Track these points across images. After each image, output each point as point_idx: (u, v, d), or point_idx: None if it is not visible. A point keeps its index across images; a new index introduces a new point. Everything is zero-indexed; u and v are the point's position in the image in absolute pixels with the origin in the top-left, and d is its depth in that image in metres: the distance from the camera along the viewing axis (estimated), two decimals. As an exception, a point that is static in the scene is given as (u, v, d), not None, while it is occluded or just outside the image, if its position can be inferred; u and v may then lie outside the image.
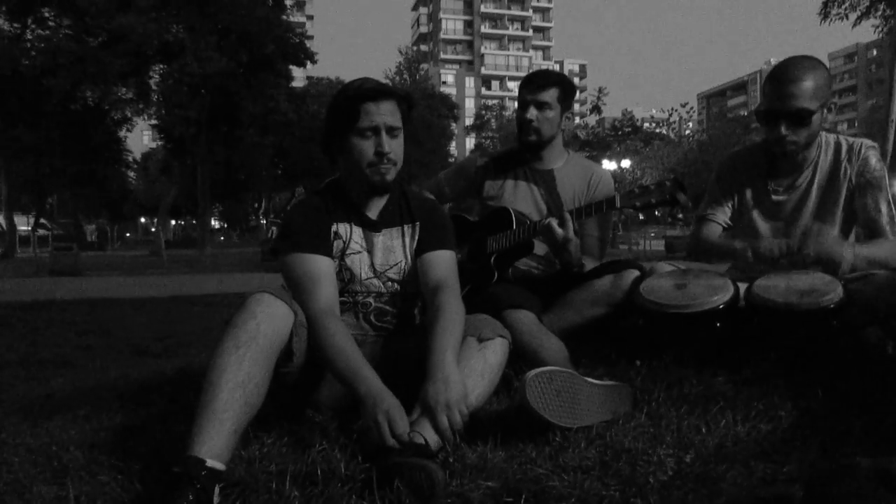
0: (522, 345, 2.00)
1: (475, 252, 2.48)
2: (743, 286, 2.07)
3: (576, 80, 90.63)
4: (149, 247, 28.77)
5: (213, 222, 50.33)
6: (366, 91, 1.80)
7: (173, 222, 51.59)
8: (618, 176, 33.22)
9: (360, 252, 1.88)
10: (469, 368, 1.64)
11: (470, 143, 51.12)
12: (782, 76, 2.13)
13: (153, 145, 41.88)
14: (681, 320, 1.97)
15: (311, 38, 30.23)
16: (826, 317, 1.87)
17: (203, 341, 4.31)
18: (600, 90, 34.45)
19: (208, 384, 1.42)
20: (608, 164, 32.97)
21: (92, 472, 1.46)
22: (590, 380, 1.64)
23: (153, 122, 27.58)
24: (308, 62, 26.97)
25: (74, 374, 3.39)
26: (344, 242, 1.87)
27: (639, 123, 38.97)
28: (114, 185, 30.51)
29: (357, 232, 1.89)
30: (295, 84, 30.76)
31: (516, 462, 1.43)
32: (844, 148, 2.30)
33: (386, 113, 1.79)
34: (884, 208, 2.22)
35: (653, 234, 29.33)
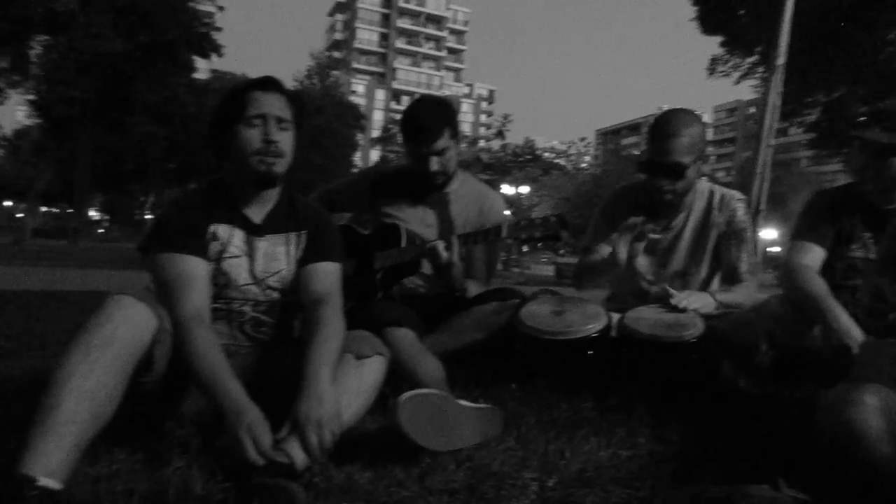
0: (401, 363, 1.98)
1: (362, 267, 2.45)
2: (616, 316, 2.17)
3: (483, 105, 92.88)
4: (12, 234, 26.38)
5: (92, 213, 46.97)
6: (255, 80, 1.75)
7: (44, 209, 47.69)
8: (515, 201, 34.20)
9: (239, 256, 1.79)
10: (345, 386, 1.60)
11: (375, 155, 50.95)
12: (661, 131, 2.31)
13: (29, 122, 38.53)
14: (556, 346, 2.04)
15: (219, 29, 29.00)
16: (687, 350, 2.00)
17: (64, 341, 3.96)
18: (505, 117, 35.40)
19: (50, 392, 1.29)
20: (507, 189, 33.85)
21: None
22: (463, 402, 1.65)
23: (30, 97, 25.38)
24: (214, 54, 25.95)
25: None
26: (222, 245, 1.77)
27: (539, 152, 40.28)
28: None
29: (238, 235, 1.80)
30: (198, 76, 29.48)
31: (383, 483, 1.41)
32: (717, 197, 2.50)
33: (275, 104, 1.74)
34: (745, 257, 2.44)
35: (544, 260, 30.37)
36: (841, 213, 2.50)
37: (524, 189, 34.65)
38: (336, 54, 71.00)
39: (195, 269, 1.68)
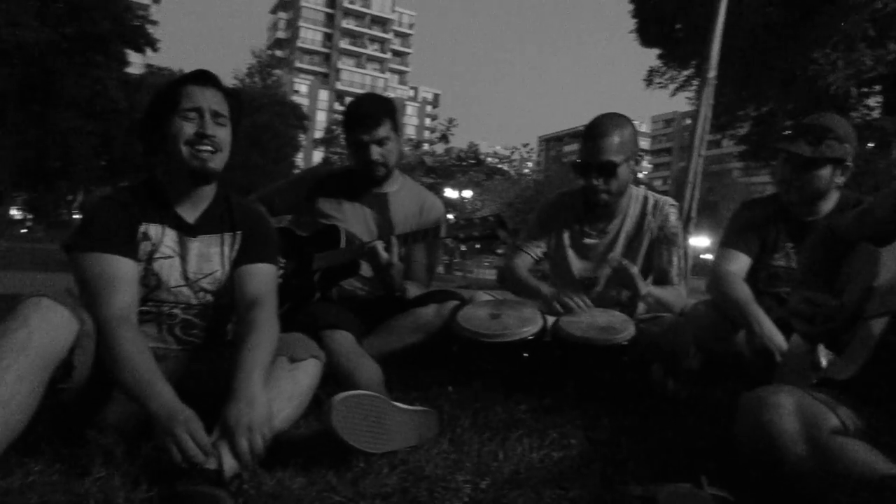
0: (338, 366, 1.97)
1: (300, 269, 2.42)
2: (551, 319, 2.22)
3: (428, 109, 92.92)
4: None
5: (14, 212, 44.56)
6: (190, 74, 1.71)
7: (-43, 206, 44.91)
8: (458, 205, 34.39)
9: (171, 257, 1.74)
10: (278, 389, 1.58)
11: (318, 156, 50.34)
12: (593, 132, 2.38)
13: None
14: (492, 349, 2.06)
15: (155, 23, 28.11)
16: (619, 352, 2.05)
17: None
18: (450, 121, 35.64)
19: None
20: (451, 193, 34.06)
21: None
22: (399, 405, 1.64)
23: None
24: (148, 48, 25.09)
25: None
26: (153, 245, 1.71)
27: (483, 157, 40.68)
28: None
29: (170, 235, 1.75)
30: (131, 70, 28.44)
31: (315, 489, 1.38)
32: (651, 203, 2.58)
33: (211, 98, 1.71)
34: (675, 261, 2.52)
35: (487, 264, 30.65)
36: (766, 224, 2.62)
37: (467, 193, 34.91)
38: (278, 53, 69.84)
39: (122, 270, 1.62)
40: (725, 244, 2.65)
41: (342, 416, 1.47)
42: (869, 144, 12.76)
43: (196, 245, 1.78)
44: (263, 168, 31.04)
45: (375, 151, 2.50)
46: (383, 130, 2.50)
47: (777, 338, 2.14)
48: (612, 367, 2.07)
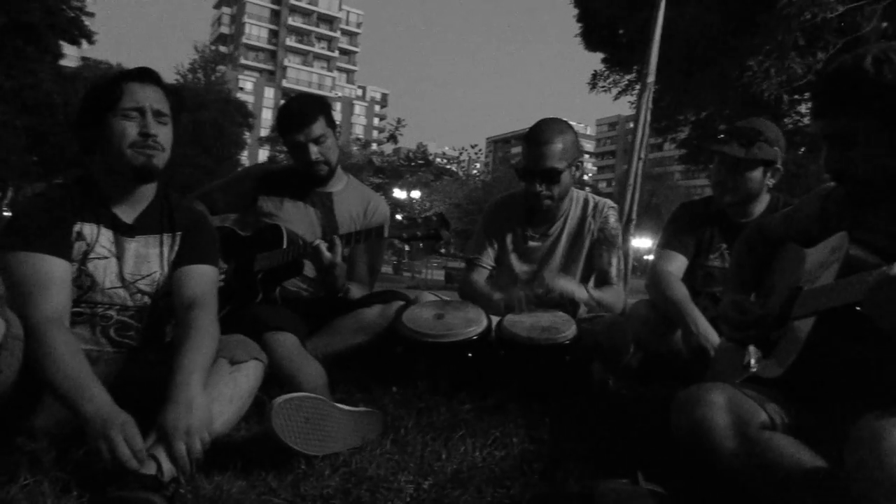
0: (280, 368, 1.94)
1: (242, 269, 2.38)
2: (496, 319, 2.24)
3: (377, 108, 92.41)
4: None
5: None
6: (131, 71, 1.67)
7: None
8: (407, 205, 34.32)
9: (107, 258, 1.69)
10: (217, 392, 1.55)
11: (263, 155, 49.40)
12: (536, 139, 2.41)
13: None
14: (437, 349, 2.07)
15: (91, 14, 27.01)
16: (561, 352, 2.08)
17: None
18: (399, 121, 35.51)
19: None
20: (399, 193, 33.95)
21: None
22: (341, 406, 1.63)
23: None
24: (84, 41, 24.11)
25: None
26: (88, 245, 1.66)
27: (431, 158, 40.73)
28: None
29: (106, 235, 1.70)
30: (66, 63, 27.26)
31: (255, 492, 1.37)
32: (591, 205, 2.63)
33: (153, 96, 1.67)
34: (614, 262, 2.58)
35: (435, 265, 30.71)
36: (701, 225, 2.71)
37: (416, 194, 34.88)
38: (222, 49, 68.19)
39: (55, 271, 1.57)
40: (663, 245, 2.74)
41: (283, 420, 1.46)
42: (801, 149, 13.36)
43: (133, 245, 1.74)
44: (207, 166, 30.22)
45: (314, 150, 2.48)
46: (318, 128, 2.47)
47: (712, 336, 2.22)
48: (554, 367, 2.10)
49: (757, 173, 2.52)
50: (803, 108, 12.74)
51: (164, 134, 1.69)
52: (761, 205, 2.65)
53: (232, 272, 2.39)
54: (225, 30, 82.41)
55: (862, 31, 6.50)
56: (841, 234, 1.50)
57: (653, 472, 1.44)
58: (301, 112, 2.47)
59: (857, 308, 1.19)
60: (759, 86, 7.16)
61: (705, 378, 1.86)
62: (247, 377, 1.64)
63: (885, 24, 7.23)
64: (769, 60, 7.03)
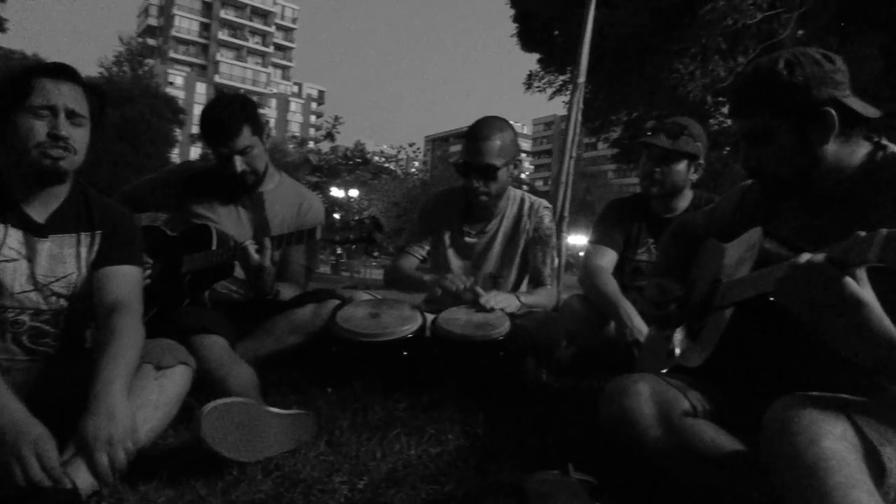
0: (209, 372, 1.89)
1: (168, 271, 2.30)
2: (431, 317, 2.25)
3: (313, 106, 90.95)
4: None
5: None
6: (45, 65, 1.58)
7: None
8: (345, 204, 33.99)
9: (16, 260, 1.60)
10: (142, 399, 1.50)
11: (195, 152, 47.95)
12: (475, 135, 2.43)
13: None
14: (372, 348, 2.06)
15: (2, 0, 25.55)
16: (495, 347, 2.11)
17: None
18: (336, 119, 35.08)
19: None
20: (337, 192, 33.59)
21: None
22: (274, 409, 1.60)
23: None
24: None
25: None
26: None
27: (369, 156, 40.44)
28: None
29: (15, 235, 1.61)
30: (-23, 54, 25.72)
31: (183, 501, 1.34)
32: (527, 204, 2.67)
33: (68, 95, 1.58)
34: (548, 261, 2.64)
35: (374, 263, 30.51)
36: (629, 221, 2.81)
37: (354, 192, 34.60)
38: (150, 41, 65.68)
39: None
40: (594, 241, 2.82)
41: (212, 426, 1.42)
42: (725, 149, 13.95)
43: (46, 246, 1.65)
44: (134, 163, 29.08)
45: (239, 162, 2.37)
46: (244, 139, 2.35)
47: (644, 329, 2.30)
48: (489, 362, 2.13)
49: (682, 166, 2.64)
50: (726, 110, 13.32)
51: (77, 136, 1.61)
52: (685, 201, 2.76)
53: (158, 273, 2.31)
54: (153, 21, 79.35)
55: (779, 38, 6.85)
56: (756, 229, 1.58)
57: (584, 462, 1.48)
58: (224, 124, 2.33)
59: (771, 298, 1.25)
60: (685, 87, 7.45)
61: (633, 369, 1.92)
62: (174, 382, 1.59)
63: (800, 32, 7.64)
64: (694, 63, 7.34)
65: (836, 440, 1.05)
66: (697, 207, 2.68)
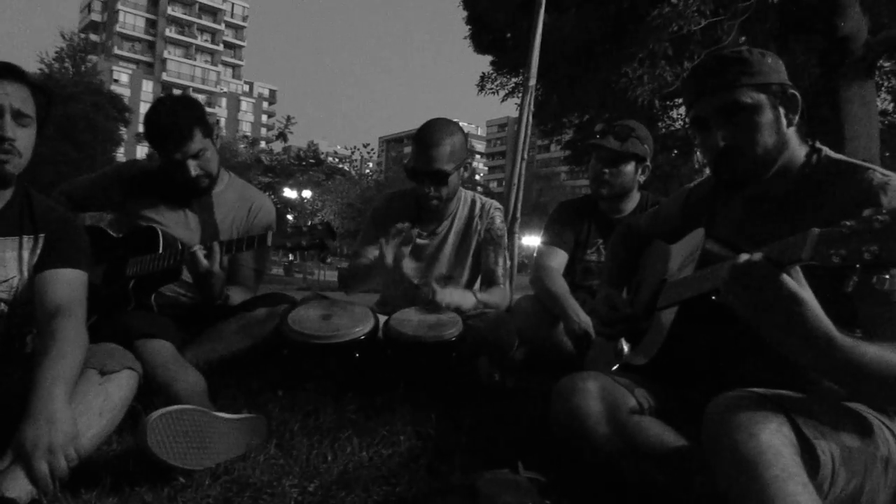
0: (155, 378, 1.84)
1: (113, 274, 2.23)
2: (384, 318, 2.24)
3: (265, 105, 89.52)
4: None
5: None
6: None
7: None
8: (298, 205, 33.58)
9: None
10: (85, 405, 1.46)
11: (142, 151, 46.66)
12: (424, 141, 2.42)
13: None
14: (324, 350, 2.04)
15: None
16: (448, 348, 2.12)
17: None
18: (288, 118, 34.61)
19: None
20: (290, 193, 33.16)
21: None
22: (222, 414, 1.58)
23: None
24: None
25: None
26: None
27: (323, 157, 40.05)
28: None
29: None
30: None
31: (128, 509, 1.30)
32: (478, 205, 2.69)
33: (13, 95, 1.54)
34: (500, 262, 2.65)
35: (328, 263, 30.21)
36: (579, 222, 2.86)
37: (307, 193, 34.21)
38: (93, 37, 63.59)
39: None
40: (546, 242, 2.87)
41: (159, 435, 1.39)
42: (673, 152, 14.32)
43: None
44: (77, 163, 28.10)
45: (193, 167, 2.30)
46: (196, 143, 2.28)
47: (591, 322, 2.34)
48: (441, 363, 2.13)
49: (630, 168, 2.72)
50: (675, 114, 13.68)
51: (23, 137, 1.56)
52: (633, 202, 2.83)
53: (102, 277, 2.24)
54: (96, 17, 76.84)
55: (723, 44, 7.08)
56: (699, 231, 1.63)
57: (534, 460, 1.50)
58: (175, 129, 2.24)
59: (713, 298, 1.30)
60: (634, 91, 7.64)
61: (583, 367, 1.96)
62: (119, 388, 1.55)
63: (743, 38, 7.91)
64: (642, 68, 7.52)
65: (772, 434, 1.09)
66: (644, 209, 2.75)
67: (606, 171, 2.72)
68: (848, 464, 1.17)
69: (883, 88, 12.24)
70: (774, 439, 1.09)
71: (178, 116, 2.27)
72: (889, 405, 1.30)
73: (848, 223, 0.96)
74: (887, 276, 0.93)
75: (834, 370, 1.15)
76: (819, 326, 1.08)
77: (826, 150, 1.49)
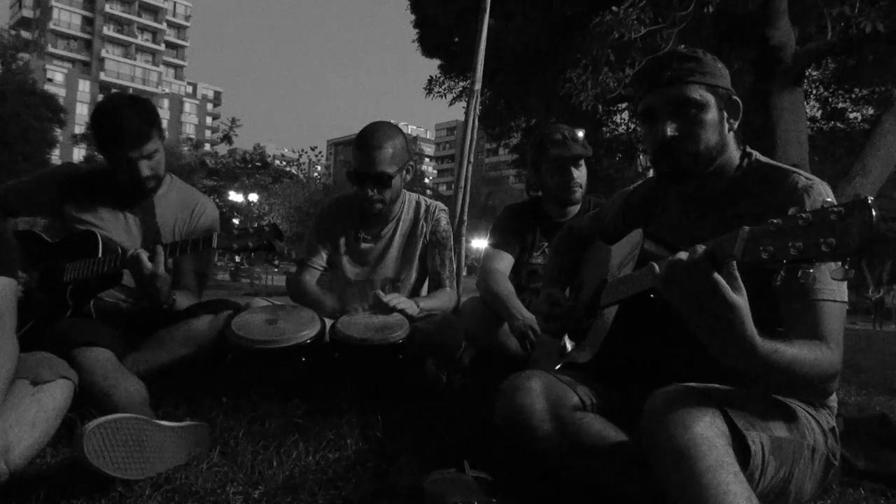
0: (93, 386, 1.79)
1: (48, 280, 2.15)
2: (330, 322, 2.23)
3: (209, 107, 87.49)
4: None
5: None
6: None
7: None
8: (244, 209, 32.92)
9: None
10: (16, 417, 1.40)
11: (79, 154, 44.84)
12: (366, 144, 2.42)
13: None
14: (269, 355, 2.02)
15: None
16: (395, 350, 2.12)
17: None
18: (233, 121, 33.89)
19: None
20: (235, 196, 32.50)
21: None
22: (163, 423, 1.54)
23: None
24: None
25: None
26: None
27: (269, 159, 39.39)
28: None
29: None
30: None
31: (62, 522, 1.26)
32: (423, 207, 2.70)
33: None
34: (447, 264, 2.67)
35: (276, 269, 29.74)
36: (525, 225, 2.91)
37: (254, 196, 33.59)
38: (25, 34, 60.91)
39: None
40: (492, 244, 2.90)
41: (97, 445, 1.35)
42: (617, 156, 14.64)
43: None
44: (9, 166, 26.85)
45: (146, 167, 2.26)
46: (152, 144, 2.25)
47: (534, 318, 2.39)
48: (388, 366, 2.14)
49: (584, 168, 2.81)
50: (618, 119, 14.01)
51: None
52: (577, 205, 2.89)
53: (36, 283, 2.16)
54: (27, 13, 73.65)
55: (662, 51, 7.29)
56: (637, 231, 1.68)
57: (480, 459, 1.52)
58: (134, 128, 2.19)
59: (651, 296, 1.34)
60: (578, 97, 7.78)
61: (528, 366, 1.99)
62: (53, 398, 1.50)
63: (682, 46, 8.16)
64: (586, 74, 7.67)
65: (706, 427, 1.14)
66: (587, 211, 2.82)
67: (577, 174, 2.79)
68: (777, 453, 1.23)
69: (811, 96, 12.83)
70: (708, 431, 1.14)
71: (137, 117, 2.22)
72: (810, 396, 1.39)
73: (775, 221, 1.01)
74: (811, 270, 0.98)
75: (753, 370, 1.21)
76: (745, 333, 1.12)
77: (757, 155, 1.57)
